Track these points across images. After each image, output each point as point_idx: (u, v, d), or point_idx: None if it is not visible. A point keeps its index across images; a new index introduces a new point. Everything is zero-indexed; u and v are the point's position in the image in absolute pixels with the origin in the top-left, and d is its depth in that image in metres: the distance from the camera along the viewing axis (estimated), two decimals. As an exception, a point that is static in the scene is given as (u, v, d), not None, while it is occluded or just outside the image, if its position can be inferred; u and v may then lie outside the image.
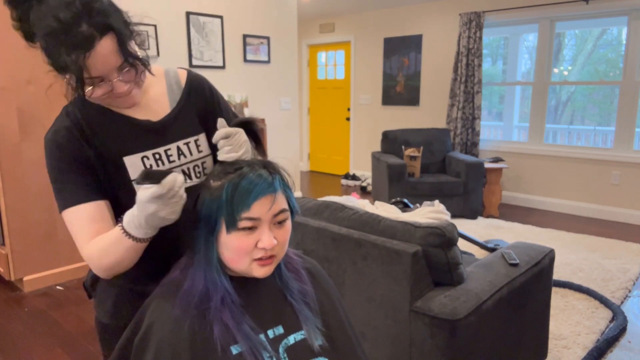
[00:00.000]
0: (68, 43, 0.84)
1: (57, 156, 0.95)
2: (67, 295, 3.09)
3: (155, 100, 1.05)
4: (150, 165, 1.01)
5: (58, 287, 3.23)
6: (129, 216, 0.88)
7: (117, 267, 0.93)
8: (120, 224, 0.89)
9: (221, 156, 0.95)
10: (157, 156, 1.02)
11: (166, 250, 1.01)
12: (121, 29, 0.89)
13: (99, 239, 0.94)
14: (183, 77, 1.12)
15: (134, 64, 0.92)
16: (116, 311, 1.08)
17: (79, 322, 2.73)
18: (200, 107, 1.11)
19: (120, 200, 1.00)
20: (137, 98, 0.99)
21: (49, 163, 0.96)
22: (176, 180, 0.83)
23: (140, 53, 0.96)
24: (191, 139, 1.07)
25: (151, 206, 0.83)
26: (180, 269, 0.95)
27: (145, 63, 0.95)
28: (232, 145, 0.95)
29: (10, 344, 2.51)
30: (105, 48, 0.86)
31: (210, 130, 1.11)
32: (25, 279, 3.17)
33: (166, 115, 1.05)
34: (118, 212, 0.99)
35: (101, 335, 1.13)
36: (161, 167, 1.02)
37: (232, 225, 0.86)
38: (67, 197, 0.95)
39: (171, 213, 0.85)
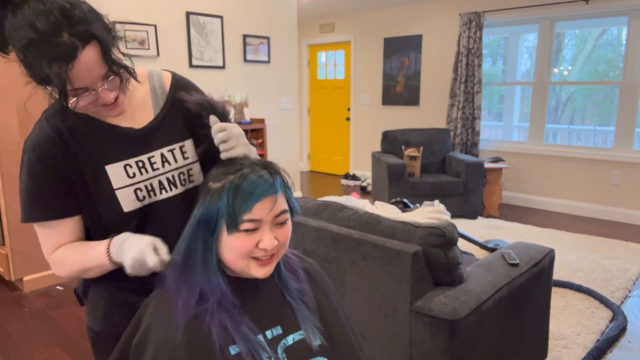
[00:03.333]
0: (49, 54, 0.79)
1: (35, 165, 0.93)
2: (67, 295, 3.09)
3: (138, 105, 1.02)
4: (134, 174, 0.99)
5: (58, 287, 3.23)
6: (116, 246, 0.94)
7: (82, 276, 1.00)
8: (107, 250, 0.95)
9: (224, 155, 0.94)
10: (140, 164, 1.00)
11: None
12: (104, 37, 0.84)
13: (74, 249, 0.98)
14: (167, 80, 1.08)
15: (118, 73, 0.88)
16: (107, 318, 1.07)
17: (79, 322, 2.73)
18: (187, 111, 1.07)
19: (98, 210, 0.98)
20: (123, 106, 0.95)
21: (25, 170, 0.94)
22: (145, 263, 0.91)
23: (124, 59, 0.93)
24: (176, 146, 1.05)
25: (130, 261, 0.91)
26: (178, 270, 0.94)
27: (130, 70, 0.91)
28: (230, 138, 0.94)
29: (10, 344, 2.51)
30: (89, 58, 0.82)
31: (199, 135, 1.08)
32: (25, 279, 3.17)
33: (149, 122, 1.02)
34: (95, 222, 0.99)
35: (93, 342, 1.12)
36: (145, 175, 1.01)
37: (233, 227, 0.86)
38: (38, 210, 0.95)
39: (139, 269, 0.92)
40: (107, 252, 0.93)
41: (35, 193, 0.94)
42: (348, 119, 7.09)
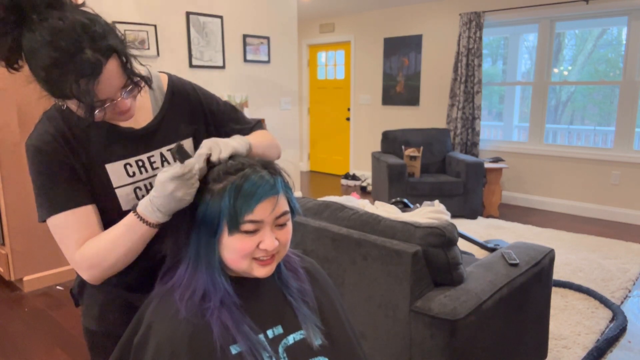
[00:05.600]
0: (75, 72, 0.80)
1: (42, 162, 0.93)
2: (67, 295, 3.09)
3: (138, 107, 1.02)
4: (134, 173, 1.01)
5: (58, 287, 3.23)
6: (144, 202, 0.90)
7: (121, 262, 0.93)
8: (133, 212, 0.91)
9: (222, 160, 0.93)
10: (139, 163, 1.01)
11: (157, 260, 0.99)
12: (122, 49, 0.86)
13: (101, 236, 0.93)
14: (164, 81, 1.09)
15: (137, 83, 0.90)
16: (102, 317, 1.08)
17: (79, 322, 2.73)
18: (186, 110, 1.09)
19: (101, 208, 0.98)
20: (134, 110, 0.96)
21: (34, 169, 0.94)
22: (194, 165, 0.87)
23: (139, 68, 0.95)
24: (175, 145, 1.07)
25: (170, 185, 0.85)
26: (180, 270, 0.95)
27: (147, 80, 0.93)
28: (211, 151, 0.92)
29: (10, 344, 2.51)
30: (111, 71, 0.84)
31: (200, 131, 1.11)
32: (25, 279, 3.17)
33: (149, 123, 1.04)
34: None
35: (90, 342, 1.12)
36: (144, 175, 1.02)
37: (234, 228, 0.86)
38: (55, 203, 0.93)
39: (186, 194, 0.87)
40: (138, 219, 0.90)
41: (47, 188, 0.94)
42: (348, 119, 7.09)
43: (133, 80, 0.89)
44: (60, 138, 0.94)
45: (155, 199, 0.87)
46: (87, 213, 0.95)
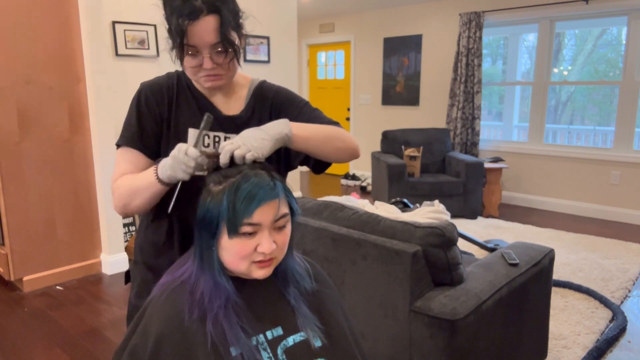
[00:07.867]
0: (180, 11, 1.00)
1: (141, 102, 1.12)
2: (66, 295, 3.09)
3: (234, 99, 1.20)
4: (209, 145, 1.15)
5: (58, 287, 3.23)
6: (164, 160, 1.01)
7: (134, 200, 1.06)
8: (154, 169, 1.02)
9: (248, 155, 0.94)
10: (216, 139, 1.15)
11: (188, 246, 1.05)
12: (226, 14, 1.02)
13: (132, 177, 1.07)
14: (254, 84, 1.24)
15: (225, 47, 1.04)
16: (139, 293, 1.22)
17: (78, 322, 2.73)
18: (267, 111, 1.21)
19: None
20: (222, 82, 1.10)
21: (133, 104, 1.13)
22: (182, 149, 0.94)
23: (240, 47, 1.10)
24: None
25: (169, 160, 0.97)
26: (181, 269, 0.95)
27: (236, 51, 1.06)
28: (236, 148, 0.94)
29: (10, 344, 2.51)
30: (207, 23, 1.01)
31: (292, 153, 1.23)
32: (25, 279, 3.17)
33: (235, 114, 1.18)
34: None
35: (129, 313, 1.26)
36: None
37: (233, 231, 0.86)
38: (129, 137, 1.11)
39: (175, 173, 0.96)
40: (155, 170, 1.02)
41: (132, 123, 1.12)
42: (348, 119, 7.09)
43: (223, 43, 1.03)
44: (166, 92, 1.14)
45: (168, 158, 0.97)
46: (144, 165, 1.11)
